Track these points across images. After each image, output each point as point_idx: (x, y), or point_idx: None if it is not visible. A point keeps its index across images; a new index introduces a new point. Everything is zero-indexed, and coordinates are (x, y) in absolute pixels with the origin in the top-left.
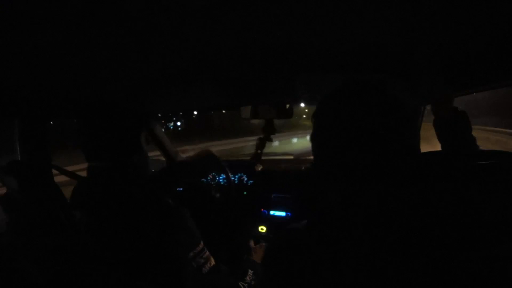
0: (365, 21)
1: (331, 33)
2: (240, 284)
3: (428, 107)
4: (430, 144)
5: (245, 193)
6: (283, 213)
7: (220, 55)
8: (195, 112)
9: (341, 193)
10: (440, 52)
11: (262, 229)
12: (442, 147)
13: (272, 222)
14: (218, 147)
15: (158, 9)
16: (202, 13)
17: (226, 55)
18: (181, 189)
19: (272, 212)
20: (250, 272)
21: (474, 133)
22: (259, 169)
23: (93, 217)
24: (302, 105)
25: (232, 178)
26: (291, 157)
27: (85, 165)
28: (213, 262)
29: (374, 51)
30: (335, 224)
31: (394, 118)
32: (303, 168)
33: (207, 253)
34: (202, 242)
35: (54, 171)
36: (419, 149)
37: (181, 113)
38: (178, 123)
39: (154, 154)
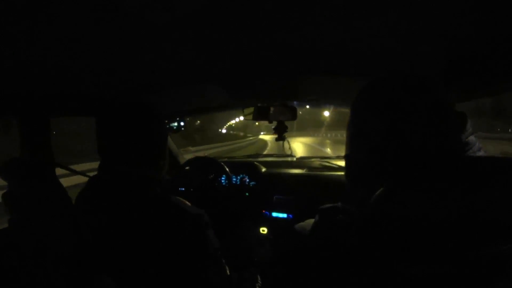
0: (367, 24)
1: (333, 36)
2: None
3: None
4: None
5: (247, 194)
6: (284, 215)
7: (226, 55)
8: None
9: (367, 190)
10: (442, 57)
11: (264, 230)
12: None
13: (273, 223)
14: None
15: (161, 9)
16: (206, 13)
17: (232, 55)
18: (183, 189)
19: (273, 214)
20: (258, 278)
21: None
22: (262, 170)
23: (102, 223)
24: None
25: (234, 179)
26: (294, 158)
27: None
28: (227, 271)
29: (376, 54)
30: (342, 226)
31: (443, 120)
32: (305, 170)
33: (223, 262)
34: (219, 252)
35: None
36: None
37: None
38: (182, 123)
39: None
